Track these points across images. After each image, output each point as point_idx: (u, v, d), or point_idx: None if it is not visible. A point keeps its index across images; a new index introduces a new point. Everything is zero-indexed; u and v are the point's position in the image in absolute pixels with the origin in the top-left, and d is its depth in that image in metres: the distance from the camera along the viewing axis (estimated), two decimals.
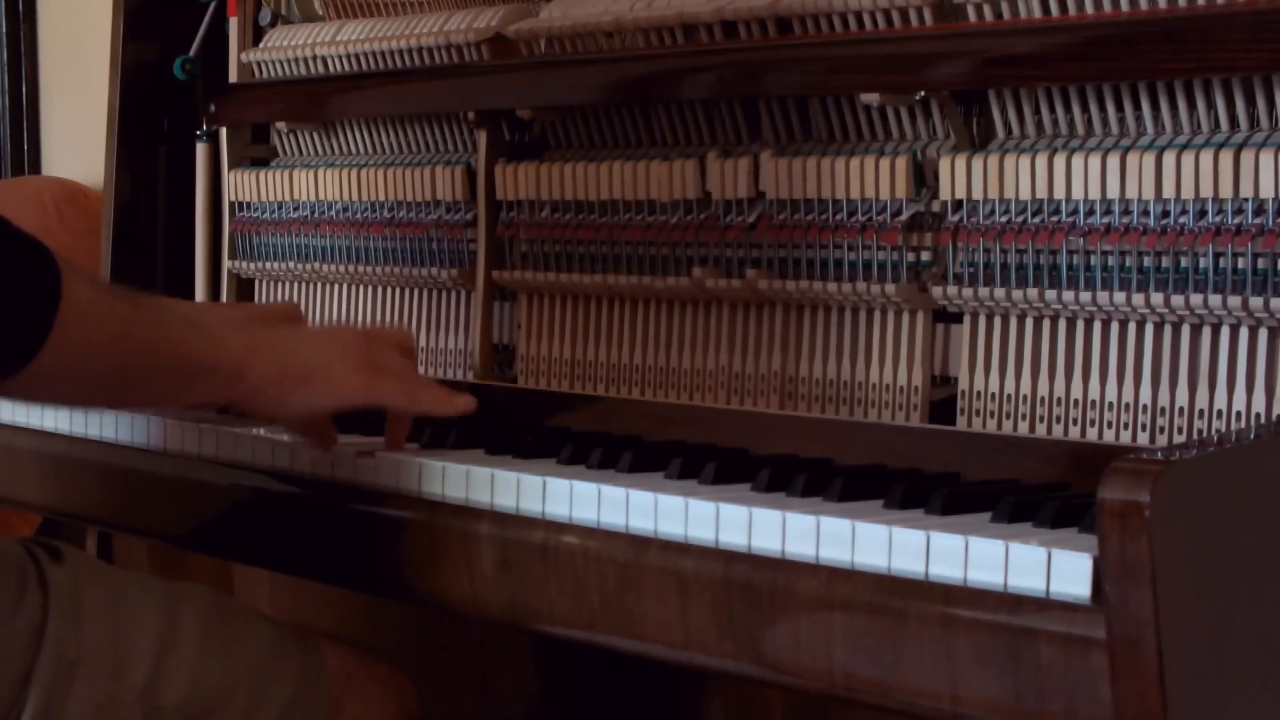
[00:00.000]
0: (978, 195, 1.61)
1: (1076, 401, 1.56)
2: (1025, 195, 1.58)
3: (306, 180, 2.24)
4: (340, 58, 2.20)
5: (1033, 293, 1.57)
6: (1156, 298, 1.50)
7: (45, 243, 1.38)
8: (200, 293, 2.39)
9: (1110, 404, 1.54)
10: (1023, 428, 1.59)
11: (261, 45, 2.31)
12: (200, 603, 1.59)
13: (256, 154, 2.36)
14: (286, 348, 1.58)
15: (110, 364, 1.46)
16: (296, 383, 1.56)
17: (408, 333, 2.00)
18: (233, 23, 2.35)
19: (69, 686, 1.47)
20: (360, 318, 2.20)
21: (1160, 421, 1.51)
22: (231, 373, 1.52)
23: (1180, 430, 1.50)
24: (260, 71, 2.32)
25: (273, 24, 2.32)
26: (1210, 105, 1.50)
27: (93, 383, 1.47)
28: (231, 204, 2.35)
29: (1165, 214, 1.50)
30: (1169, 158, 1.49)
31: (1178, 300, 1.49)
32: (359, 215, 2.17)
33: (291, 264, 2.27)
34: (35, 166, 3.67)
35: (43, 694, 1.46)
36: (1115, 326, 1.55)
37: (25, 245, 1.38)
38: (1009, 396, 1.60)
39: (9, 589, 1.47)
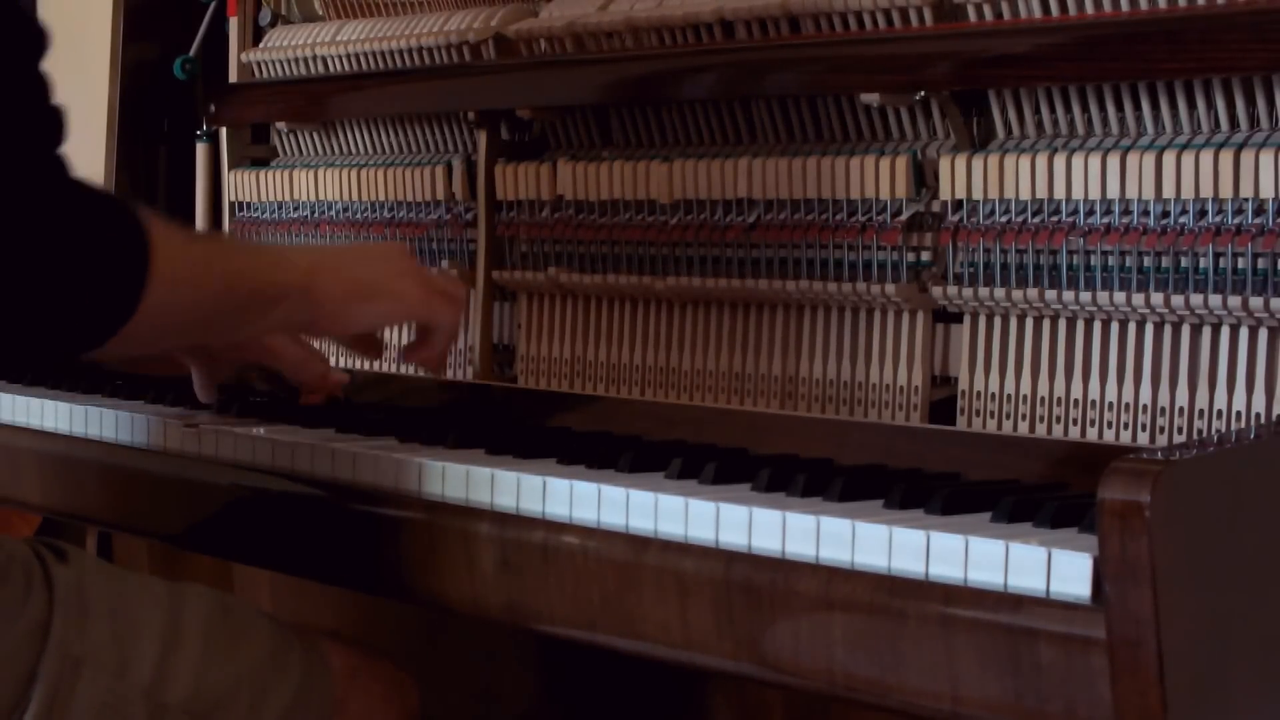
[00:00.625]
0: (978, 195, 1.61)
1: (1076, 401, 1.56)
2: (1025, 195, 1.58)
3: (306, 180, 2.24)
4: (340, 58, 2.20)
5: (1033, 293, 1.57)
6: (1156, 298, 1.50)
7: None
8: None
9: (1110, 404, 1.54)
10: (1023, 428, 1.59)
11: (261, 45, 2.31)
12: (203, 602, 1.59)
13: (256, 154, 2.36)
14: (348, 264, 1.65)
15: (197, 306, 1.50)
16: (362, 298, 1.62)
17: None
18: (233, 23, 2.35)
19: (74, 685, 1.47)
20: None
21: (1160, 421, 1.51)
22: (301, 291, 1.57)
23: (1180, 430, 1.50)
24: (260, 71, 2.32)
25: (273, 24, 2.32)
26: (1210, 105, 1.50)
27: (180, 326, 1.52)
28: (231, 204, 2.35)
29: (1165, 214, 1.50)
30: (1169, 158, 1.49)
31: (1178, 300, 1.49)
32: (359, 215, 2.17)
33: None
34: None
35: (47, 692, 1.46)
36: (1115, 326, 1.55)
37: (115, 209, 1.42)
38: (1009, 396, 1.60)
39: (15, 588, 1.48)
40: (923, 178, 1.67)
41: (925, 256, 1.67)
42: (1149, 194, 1.51)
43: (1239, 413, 1.47)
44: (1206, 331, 1.49)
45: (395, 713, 1.65)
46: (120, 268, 1.40)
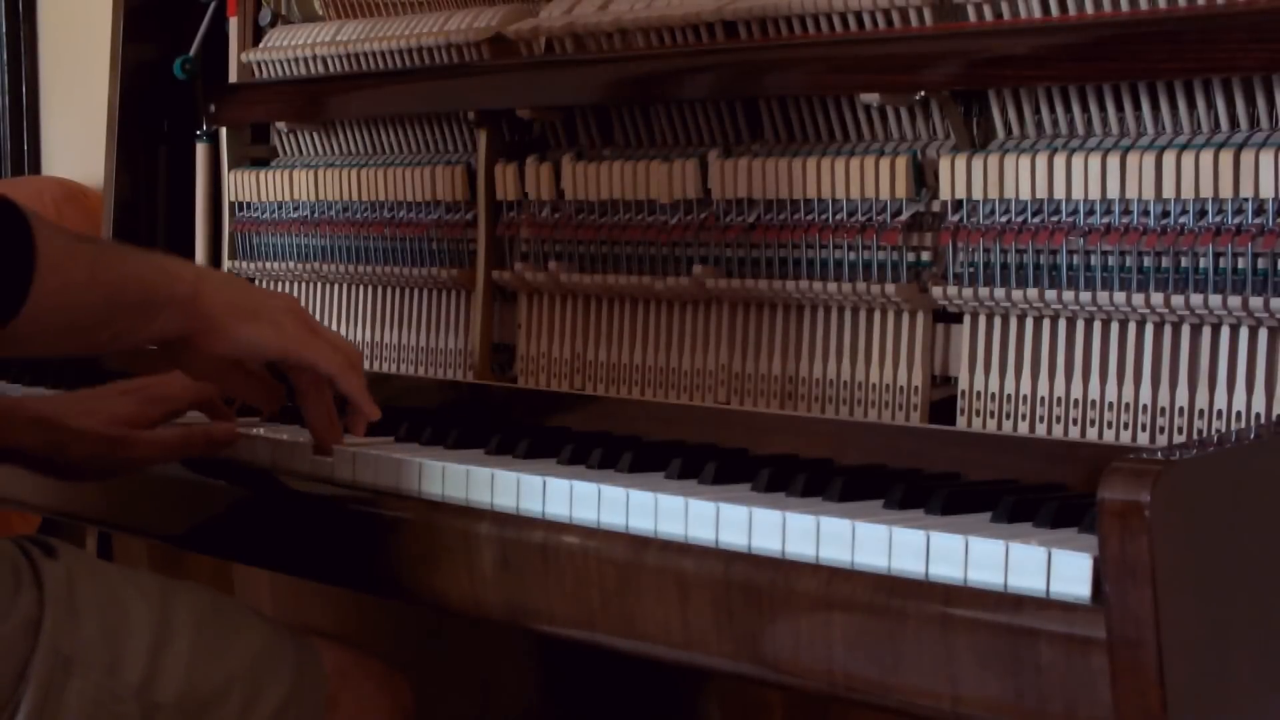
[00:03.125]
0: (978, 195, 1.61)
1: (1076, 401, 1.56)
2: (1025, 195, 1.58)
3: (306, 180, 2.24)
4: (340, 58, 2.20)
5: (1033, 293, 1.57)
6: (1156, 298, 1.50)
7: (11, 197, 1.38)
8: None
9: (1110, 404, 1.54)
10: (1023, 428, 1.59)
11: (261, 45, 2.31)
12: (194, 599, 1.59)
13: (256, 154, 2.36)
14: (236, 284, 1.63)
15: (83, 308, 1.47)
16: (245, 316, 1.58)
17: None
18: (233, 23, 2.35)
19: (65, 682, 1.47)
20: (360, 318, 2.20)
21: (1160, 421, 1.51)
22: (186, 301, 1.55)
23: (1180, 430, 1.50)
24: (260, 71, 2.32)
25: (273, 24, 2.32)
26: (1210, 105, 1.50)
27: (66, 329, 1.48)
28: (231, 204, 2.35)
29: (1165, 214, 1.50)
30: (1169, 158, 1.49)
31: (1178, 300, 1.49)
32: (359, 215, 2.17)
33: (291, 264, 2.27)
34: (35, 166, 3.67)
35: (39, 690, 1.46)
36: (1115, 326, 1.55)
37: None
38: (1009, 396, 1.60)
39: (4, 585, 1.47)
40: (923, 178, 1.67)
41: (925, 256, 1.67)
42: (1149, 194, 1.51)
43: (1239, 413, 1.47)
44: (1206, 331, 1.49)
45: (388, 711, 1.65)
46: (6, 261, 1.37)
